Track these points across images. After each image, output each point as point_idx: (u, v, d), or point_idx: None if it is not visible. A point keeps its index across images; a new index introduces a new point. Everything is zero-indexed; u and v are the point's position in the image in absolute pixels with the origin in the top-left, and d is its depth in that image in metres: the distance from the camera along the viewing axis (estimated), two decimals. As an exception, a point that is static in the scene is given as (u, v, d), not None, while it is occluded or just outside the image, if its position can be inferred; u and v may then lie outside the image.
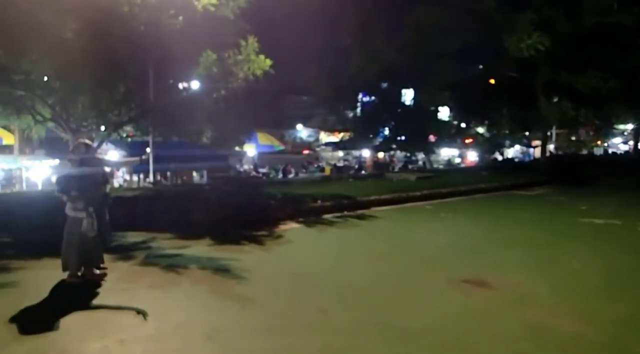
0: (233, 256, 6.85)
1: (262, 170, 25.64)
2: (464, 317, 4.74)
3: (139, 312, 4.60)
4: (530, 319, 4.65)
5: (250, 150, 26.40)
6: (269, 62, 10.71)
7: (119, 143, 19.58)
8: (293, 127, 39.93)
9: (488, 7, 20.62)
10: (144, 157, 16.73)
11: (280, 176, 24.44)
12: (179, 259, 6.73)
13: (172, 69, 12.53)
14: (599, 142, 43.37)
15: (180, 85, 13.18)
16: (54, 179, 5.77)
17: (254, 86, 12.47)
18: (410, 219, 10.76)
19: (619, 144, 45.28)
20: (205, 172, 20.53)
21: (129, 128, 15.51)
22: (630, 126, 37.80)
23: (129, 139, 19.71)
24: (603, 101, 22.60)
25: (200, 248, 7.47)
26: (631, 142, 38.36)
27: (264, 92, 14.88)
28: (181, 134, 13.98)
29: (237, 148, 22.07)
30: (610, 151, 42.81)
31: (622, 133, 43.29)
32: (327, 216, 10.42)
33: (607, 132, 41.36)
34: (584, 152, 38.71)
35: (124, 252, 7.07)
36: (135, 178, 19.67)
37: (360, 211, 11.12)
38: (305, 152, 34.03)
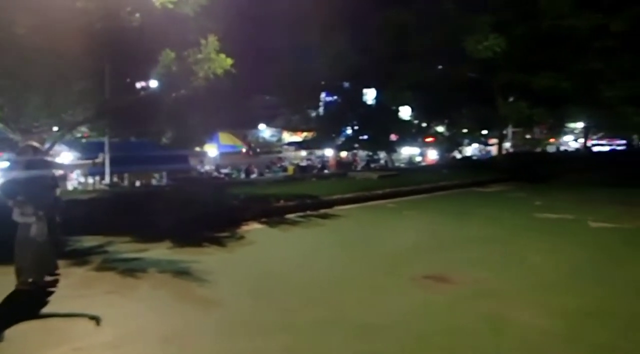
0: (194, 258, 6.70)
1: (224, 171, 25.30)
2: (426, 313, 4.81)
3: (92, 318, 4.42)
4: (491, 313, 4.75)
5: (212, 150, 26.01)
6: (230, 61, 10.52)
7: (73, 144, 18.86)
8: (256, 127, 39.60)
9: (448, 9, 21.05)
10: (97, 160, 16.19)
11: (243, 176, 24.20)
12: (137, 263, 6.53)
13: (129, 67, 12.15)
14: (551, 140, 45.18)
15: (139, 85, 12.80)
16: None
17: (216, 85, 12.25)
18: (373, 217, 10.84)
19: (569, 142, 47.31)
20: (165, 174, 20.07)
21: (83, 129, 14.95)
22: (580, 125, 39.48)
23: (84, 140, 19.02)
24: (556, 101, 23.49)
25: (160, 251, 7.27)
26: (581, 140, 40.10)
27: (226, 91, 14.63)
28: (139, 134, 13.60)
29: (198, 148, 21.66)
30: (562, 148, 44.67)
31: (572, 131, 45.24)
32: (291, 216, 10.37)
33: (559, 130, 43.17)
34: (538, 150, 40.24)
35: (79, 258, 6.80)
36: (90, 180, 19.01)
37: (323, 210, 11.13)
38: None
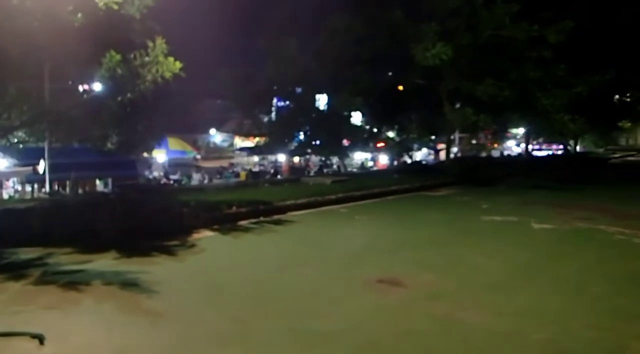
0: (142, 269, 6.44)
1: (173, 177, 24.64)
2: (378, 317, 4.85)
3: (35, 336, 4.15)
4: (440, 315, 4.87)
5: (161, 156, 25.26)
6: (179, 64, 10.23)
7: (8, 150, 17.76)
8: (207, 131, 38.87)
9: (396, 17, 21.56)
10: (36, 167, 15.33)
11: (193, 182, 23.67)
12: (80, 276, 6.20)
13: (71, 69, 11.59)
14: (495, 145, 47.21)
15: (82, 88, 12.22)
16: None
17: (165, 89, 11.91)
18: (326, 222, 10.87)
19: (512, 147, 49.59)
20: (110, 181, 19.27)
21: (21, 134, 14.10)
22: (522, 130, 41.46)
23: (22, 146, 17.97)
24: (499, 108, 24.56)
25: (105, 262, 6.95)
26: (523, 145, 42.10)
27: (175, 95, 14.28)
28: (82, 139, 12.96)
29: (145, 154, 20.99)
30: (505, 153, 46.72)
31: (515, 137, 47.51)
32: (243, 223, 10.21)
33: (502, 136, 45.22)
34: (484, 154, 41.87)
35: (16, 271, 6.38)
36: (28, 188, 17.94)
37: (276, 216, 11.04)
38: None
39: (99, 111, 11.04)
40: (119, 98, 10.55)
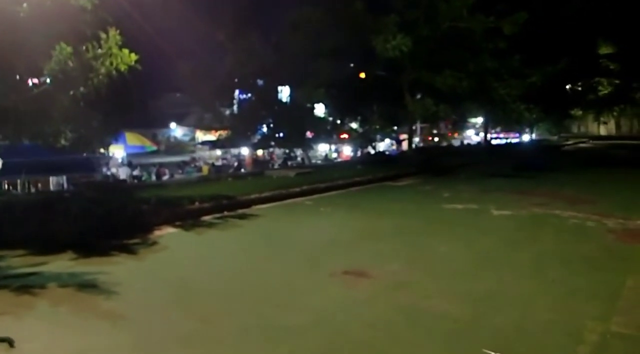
0: (100, 270, 6.21)
1: (133, 173, 23.93)
2: (346, 309, 4.86)
3: (3, 340, 3.95)
4: (406, 304, 4.92)
5: (118, 151, 24.47)
6: (134, 56, 9.85)
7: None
8: (166, 126, 37.92)
9: (356, 9, 21.60)
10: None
11: (154, 178, 23.06)
12: (34, 279, 5.92)
13: (19, 62, 10.98)
14: (456, 135, 48.33)
15: (30, 82, 11.63)
16: None
17: (121, 83, 11.48)
18: (291, 215, 10.82)
19: (471, 136, 50.86)
20: (65, 178, 18.49)
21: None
22: (480, 120, 42.58)
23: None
24: (459, 98, 25.12)
25: (61, 264, 6.66)
26: (482, 134, 43.26)
27: (133, 89, 13.80)
28: (33, 136, 12.33)
29: (102, 150, 20.28)
30: (465, 142, 47.88)
31: (474, 126, 48.75)
32: (207, 218, 10.02)
33: (462, 125, 46.34)
34: (444, 144, 42.82)
35: (-37, 277, 6.04)
36: (-24, 189, 17.00)
37: (241, 211, 10.90)
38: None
39: (50, 106, 10.52)
40: (71, 92, 10.09)
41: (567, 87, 42.78)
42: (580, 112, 47.72)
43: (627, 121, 50.81)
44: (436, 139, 43.75)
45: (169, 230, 8.96)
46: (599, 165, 21.56)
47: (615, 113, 48.11)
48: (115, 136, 19.48)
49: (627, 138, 44.73)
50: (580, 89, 44.71)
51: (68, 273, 6.12)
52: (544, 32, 30.08)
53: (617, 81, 43.54)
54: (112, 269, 6.32)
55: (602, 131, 53.42)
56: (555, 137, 48.35)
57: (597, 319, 4.45)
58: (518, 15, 22.38)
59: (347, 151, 35.90)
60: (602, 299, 4.95)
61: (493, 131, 47.34)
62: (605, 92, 44.64)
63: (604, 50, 43.37)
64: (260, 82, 25.14)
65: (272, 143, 27.47)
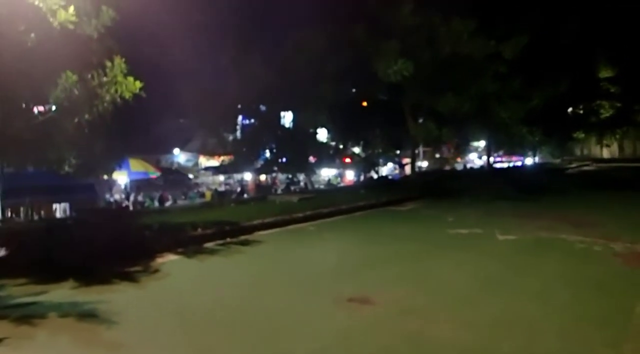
0: (102, 298, 6.14)
1: (136, 198, 23.98)
2: (350, 337, 4.76)
3: None
4: (412, 331, 4.82)
5: (122, 178, 24.53)
6: (139, 84, 9.97)
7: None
8: (170, 151, 38.11)
9: (358, 35, 21.92)
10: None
11: (157, 204, 23.06)
12: (34, 308, 5.85)
13: (25, 91, 11.12)
14: (458, 159, 48.37)
15: (35, 109, 11.75)
16: None
17: (125, 109, 11.58)
18: (294, 241, 10.74)
19: (474, 160, 50.87)
20: (68, 205, 18.50)
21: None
22: (483, 143, 42.65)
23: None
24: (461, 121, 25.23)
25: (62, 292, 6.59)
26: (485, 157, 43.30)
27: (136, 115, 13.93)
28: (38, 163, 12.41)
29: (105, 176, 20.36)
30: (468, 165, 47.87)
31: (476, 149, 48.81)
32: (209, 245, 9.96)
33: (465, 149, 46.42)
34: (447, 168, 42.84)
35: (-37, 306, 5.97)
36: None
37: (243, 237, 10.82)
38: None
39: (54, 133, 10.61)
40: (76, 119, 10.17)
41: (569, 110, 42.96)
42: (582, 135, 47.75)
43: (630, 144, 50.80)
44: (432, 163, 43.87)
45: (171, 257, 8.88)
46: (603, 188, 21.44)
47: (617, 136, 48.12)
48: (118, 162, 19.58)
49: (630, 161, 44.59)
50: (581, 111, 44.87)
51: (69, 302, 6.04)
52: (544, 56, 30.39)
53: (618, 104, 43.72)
54: (113, 297, 6.25)
55: (605, 153, 53.37)
56: (558, 160, 48.27)
57: (607, 346, 4.34)
58: (518, 39, 22.66)
59: (350, 176, 35.91)
60: (612, 326, 4.85)
61: (496, 155, 47.38)
62: (607, 114, 44.76)
63: (604, 73, 43.69)
64: (263, 107, 25.37)
65: (275, 168, 27.56)
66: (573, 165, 43.14)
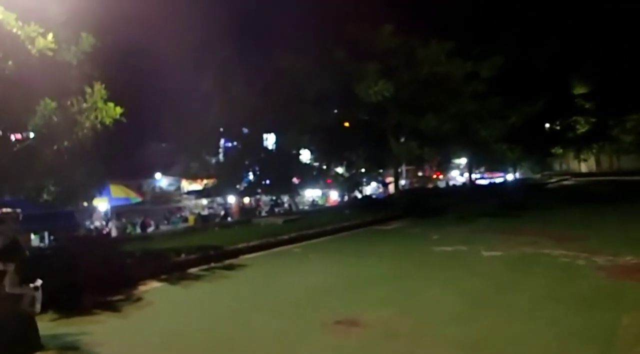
0: (82, 330, 5.96)
1: (117, 225, 23.56)
2: (339, 362, 4.68)
3: None
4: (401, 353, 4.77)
5: (102, 204, 24.12)
6: (119, 110, 9.90)
7: None
8: (152, 176, 37.68)
9: (339, 57, 22.23)
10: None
11: (139, 230, 22.69)
12: (11, 342, 5.63)
13: (2, 118, 10.95)
14: (441, 177, 48.88)
15: (13, 137, 11.55)
16: None
17: (105, 135, 11.45)
18: (280, 264, 10.63)
19: (456, 177, 51.44)
20: (46, 234, 18.06)
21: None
22: (464, 160, 43.23)
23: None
24: (442, 140, 25.56)
25: (42, 325, 6.29)
26: (466, 175, 43.83)
27: (117, 141, 13.75)
28: (15, 191, 12.14)
29: (85, 203, 20.00)
30: (450, 183, 48.35)
31: (458, 167, 49.42)
32: (193, 270, 9.80)
33: (447, 166, 46.99)
34: (430, 185, 43.22)
35: None
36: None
37: (228, 261, 10.70)
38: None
39: (33, 161, 10.42)
40: (55, 147, 10.03)
41: (546, 126, 43.99)
42: (560, 150, 48.82)
43: (607, 158, 52.02)
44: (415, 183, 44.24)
45: (154, 284, 8.71)
46: (583, 201, 21.81)
47: (594, 150, 49.29)
48: (99, 188, 19.28)
49: (607, 174, 45.59)
50: (558, 127, 45.99)
51: (49, 335, 5.83)
52: (521, 75, 31.23)
53: (593, 119, 44.91)
54: (95, 328, 6.08)
55: (583, 168, 54.48)
56: (538, 176, 49.09)
57: (595, 362, 4.35)
58: (494, 59, 23.25)
59: (334, 196, 35.92)
60: (598, 340, 4.86)
61: (477, 171, 48.01)
62: (583, 130, 45.92)
63: (579, 89, 45.01)
64: (245, 130, 25.36)
65: (259, 190, 27.41)
66: (553, 180, 43.91)
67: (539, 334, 5.16)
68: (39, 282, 4.97)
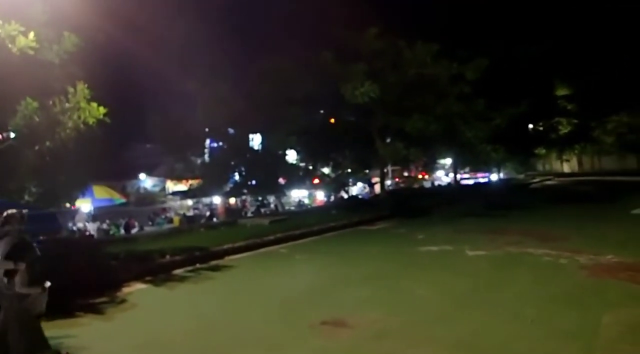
0: (66, 333, 5.86)
1: (102, 226, 23.20)
2: (326, 363, 4.68)
3: None
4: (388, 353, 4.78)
5: (85, 206, 23.75)
6: (103, 110, 9.76)
7: None
8: (136, 177, 37.30)
9: (326, 58, 22.26)
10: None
11: (123, 232, 22.39)
12: (-9, 347, 5.52)
13: (-18, 118, 10.73)
14: (426, 177, 49.22)
15: (-6, 138, 11.33)
16: None
17: (89, 136, 11.30)
18: (266, 265, 10.60)
19: (442, 177, 51.85)
20: (29, 236, 17.69)
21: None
22: (449, 161, 43.60)
23: None
24: (428, 141, 25.78)
25: (23, 328, 6.25)
26: (452, 175, 44.20)
27: (99, 141, 13.59)
28: (-4, 192, 11.93)
29: (68, 205, 19.68)
30: (436, 183, 48.69)
31: (443, 167, 49.83)
32: (178, 272, 9.71)
33: (432, 167, 47.36)
34: (416, 186, 43.49)
35: None
36: None
37: (214, 262, 10.62)
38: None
39: (14, 162, 10.24)
40: (37, 147, 9.87)
41: (530, 127, 44.59)
42: (543, 151, 49.49)
43: (588, 158, 52.85)
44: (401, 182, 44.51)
45: (138, 286, 8.61)
46: (566, 201, 22.14)
47: (576, 151, 50.06)
48: (82, 190, 19.00)
49: (589, 174, 46.34)
50: (541, 128, 46.63)
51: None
52: (505, 77, 31.63)
53: (575, 121, 45.63)
54: (78, 331, 5.99)
55: (566, 168, 55.28)
56: (522, 176, 49.69)
57: (578, 360, 4.42)
58: (479, 61, 23.50)
59: (321, 196, 35.92)
60: (581, 338, 4.94)
61: (462, 172, 48.44)
62: (566, 131, 46.61)
63: (561, 91, 45.69)
64: (231, 130, 25.22)
65: (245, 191, 27.27)
66: (536, 180, 44.49)
67: (523, 333, 5.22)
68: (47, 283, 5.03)
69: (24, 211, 5.50)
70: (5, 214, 5.28)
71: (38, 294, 4.90)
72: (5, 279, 4.77)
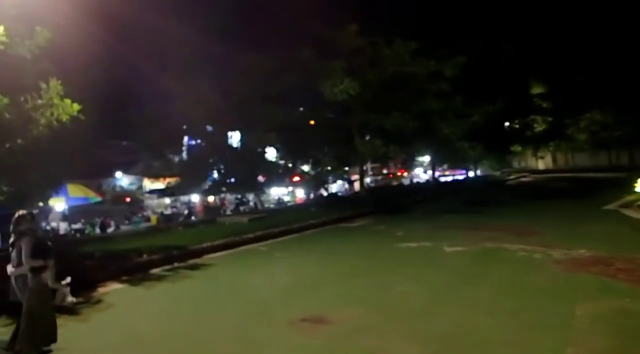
0: (39, 334, 5.71)
1: (75, 226, 22.74)
2: (305, 360, 4.68)
3: None
4: (367, 349, 4.82)
5: (59, 204, 23.21)
6: (77, 107, 9.54)
7: None
8: (112, 175, 36.63)
9: (305, 56, 22.23)
10: None
11: (98, 231, 22.00)
12: (-39, 350, 5.37)
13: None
14: (405, 174, 49.67)
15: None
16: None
17: (63, 133, 11.03)
18: (245, 263, 10.54)
19: (420, 174, 52.40)
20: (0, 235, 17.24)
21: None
22: (428, 158, 44.07)
23: None
24: (406, 138, 26.02)
25: (-6, 330, 6.10)
26: (430, 172, 44.72)
27: (74, 139, 13.28)
28: (-36, 192, 11.55)
29: (41, 204, 19.20)
30: (414, 180, 49.19)
31: (422, 164, 50.34)
32: (156, 271, 9.59)
33: (411, 164, 47.80)
34: (395, 183, 43.86)
35: None
36: None
37: (192, 261, 10.52)
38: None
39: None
40: (8, 145, 9.61)
41: (506, 125, 45.38)
42: (519, 148, 50.46)
43: (563, 155, 54.00)
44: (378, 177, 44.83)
45: (115, 286, 8.47)
46: (540, 197, 22.58)
47: (551, 148, 51.12)
48: (56, 188, 18.53)
49: (563, 171, 47.35)
50: (517, 126, 47.53)
51: (3, 341, 5.59)
52: (482, 75, 32.11)
53: (549, 118, 46.59)
54: (51, 333, 5.83)
55: (541, 165, 56.42)
56: (498, 173, 50.53)
57: (551, 351, 4.51)
58: (457, 59, 23.79)
59: (300, 194, 35.90)
60: (555, 330, 5.05)
61: (440, 169, 49.01)
62: (540, 128, 47.57)
63: (536, 89, 46.60)
64: (209, 128, 24.97)
65: (224, 189, 27.06)
66: (512, 177, 45.29)
67: (500, 326, 5.32)
68: (68, 279, 5.43)
69: (34, 211, 5.70)
70: (17, 215, 5.54)
71: (63, 289, 5.37)
72: (30, 275, 5.09)
